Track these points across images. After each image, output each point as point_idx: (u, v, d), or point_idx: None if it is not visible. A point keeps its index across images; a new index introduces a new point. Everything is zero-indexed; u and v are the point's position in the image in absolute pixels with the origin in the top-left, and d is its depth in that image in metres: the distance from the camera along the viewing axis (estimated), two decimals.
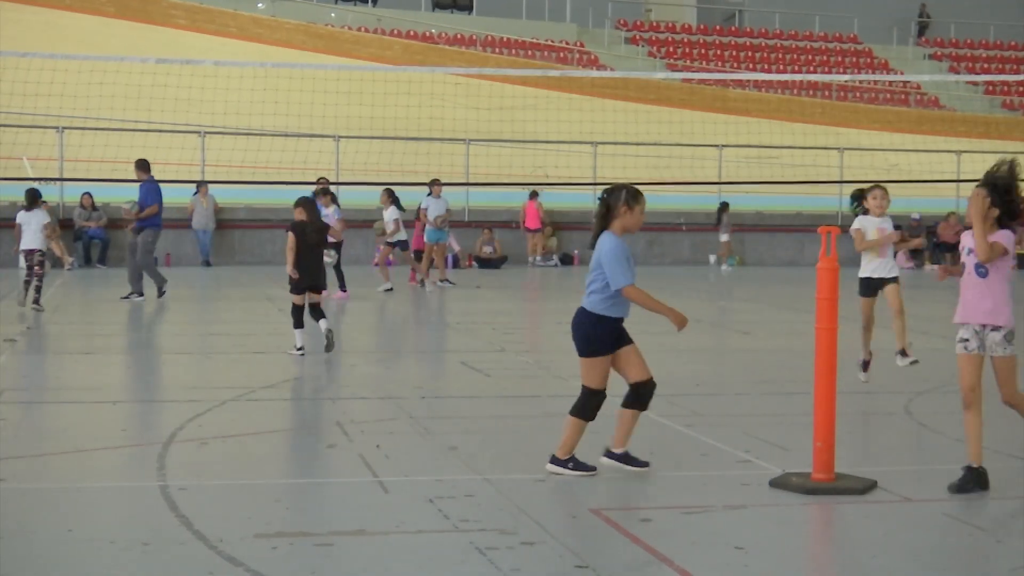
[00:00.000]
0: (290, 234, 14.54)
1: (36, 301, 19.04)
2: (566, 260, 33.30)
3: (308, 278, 14.57)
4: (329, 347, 14.45)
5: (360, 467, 8.68)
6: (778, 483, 8.22)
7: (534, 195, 32.66)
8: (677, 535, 7.09)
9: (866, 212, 12.27)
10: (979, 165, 35.76)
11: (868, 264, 12.31)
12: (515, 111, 37.10)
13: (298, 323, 14.56)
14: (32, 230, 19.52)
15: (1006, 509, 7.73)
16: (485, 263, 31.91)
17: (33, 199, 19.76)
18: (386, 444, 9.41)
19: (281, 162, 31.01)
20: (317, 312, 14.67)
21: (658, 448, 9.54)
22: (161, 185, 22.32)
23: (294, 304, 14.65)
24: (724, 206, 32.53)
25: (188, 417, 10.53)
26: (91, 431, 10.10)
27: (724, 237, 32.44)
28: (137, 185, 21.65)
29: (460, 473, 8.52)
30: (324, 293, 15.09)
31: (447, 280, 25.41)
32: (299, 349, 14.44)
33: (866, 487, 8.14)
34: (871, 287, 12.32)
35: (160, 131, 31.71)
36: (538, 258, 32.73)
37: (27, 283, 19.38)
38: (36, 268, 19.30)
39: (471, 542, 6.86)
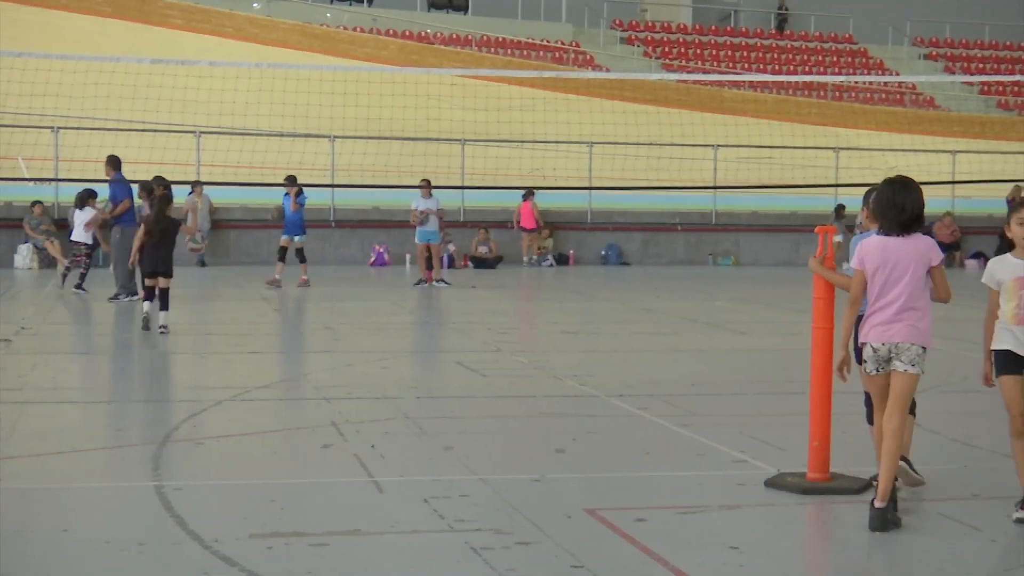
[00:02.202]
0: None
1: (79, 286, 21.66)
2: (561, 260, 33.30)
3: (150, 265, 16.89)
4: (162, 333, 16.36)
5: (355, 467, 8.68)
6: (774, 483, 8.23)
7: (529, 195, 32.63)
8: (672, 535, 7.09)
9: (1009, 247, 7.68)
10: (975, 165, 35.97)
11: (1004, 328, 7.57)
12: (511, 111, 37.05)
13: (146, 298, 16.91)
14: (77, 225, 22.29)
15: (1001, 509, 7.73)
16: (480, 263, 31.90)
17: (84, 199, 22.37)
18: (381, 444, 9.41)
19: (277, 162, 30.96)
20: (164, 300, 16.66)
21: (654, 448, 9.55)
22: None
23: (146, 285, 17.05)
24: (840, 208, 32.43)
25: (183, 417, 10.53)
26: (87, 431, 10.11)
27: (838, 238, 32.31)
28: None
29: (456, 473, 8.52)
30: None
31: (443, 280, 25.37)
32: (145, 318, 16.79)
33: (861, 487, 8.14)
34: (1015, 364, 7.57)
35: (156, 131, 31.67)
36: (534, 258, 32.72)
37: (64, 274, 22.90)
38: (82, 258, 22.15)
39: (466, 542, 6.86)
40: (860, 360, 7.71)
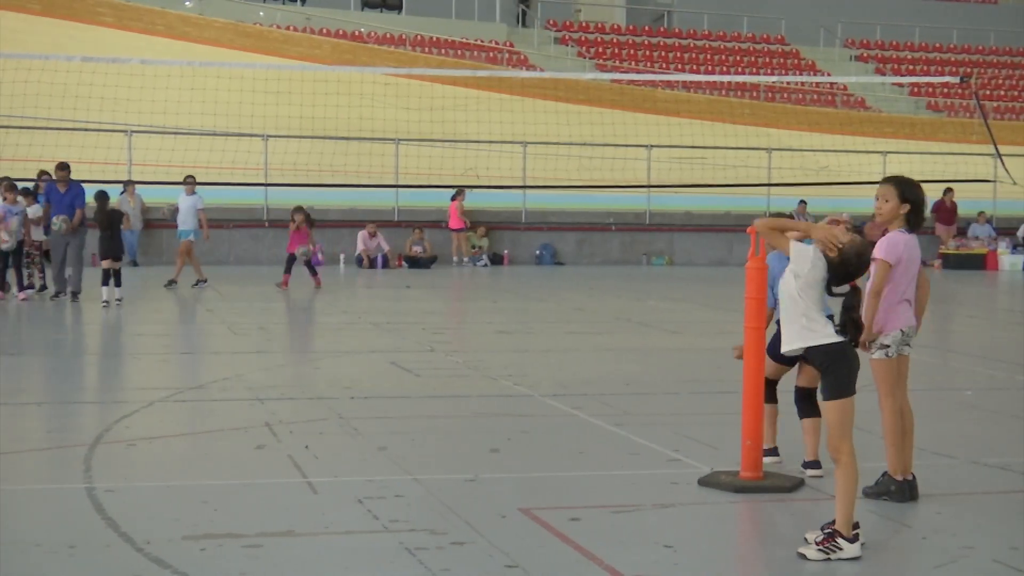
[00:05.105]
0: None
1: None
2: (496, 260, 33.30)
3: (105, 250, 20.22)
4: (105, 305, 19.51)
5: (289, 468, 8.64)
6: (707, 481, 8.27)
7: (458, 195, 32.58)
8: (606, 534, 7.11)
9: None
10: (905, 166, 36.28)
11: None
12: (445, 111, 37.03)
13: (103, 282, 19.82)
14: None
15: (931, 508, 7.81)
16: (415, 263, 31.86)
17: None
18: (315, 445, 9.38)
19: (209, 162, 30.78)
20: (117, 279, 19.88)
21: (588, 447, 9.56)
22: (87, 185, 22.19)
23: (103, 268, 20.06)
24: (802, 204, 33.04)
25: (115, 418, 10.44)
26: (16, 433, 9.98)
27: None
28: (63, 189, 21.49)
29: (390, 473, 8.50)
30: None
31: (203, 280, 24.30)
32: (104, 303, 19.58)
33: (794, 485, 8.21)
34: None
35: (86, 130, 31.37)
36: (466, 259, 32.68)
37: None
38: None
39: (401, 542, 6.85)
40: (777, 357, 8.41)
